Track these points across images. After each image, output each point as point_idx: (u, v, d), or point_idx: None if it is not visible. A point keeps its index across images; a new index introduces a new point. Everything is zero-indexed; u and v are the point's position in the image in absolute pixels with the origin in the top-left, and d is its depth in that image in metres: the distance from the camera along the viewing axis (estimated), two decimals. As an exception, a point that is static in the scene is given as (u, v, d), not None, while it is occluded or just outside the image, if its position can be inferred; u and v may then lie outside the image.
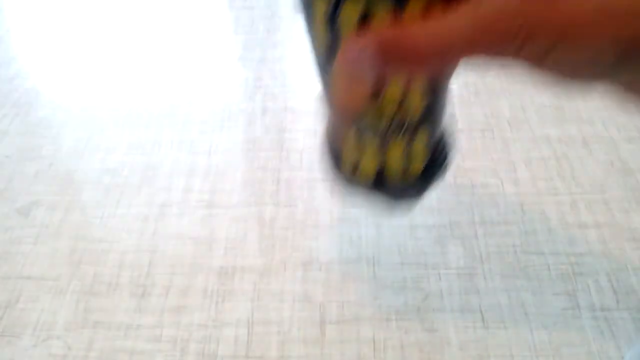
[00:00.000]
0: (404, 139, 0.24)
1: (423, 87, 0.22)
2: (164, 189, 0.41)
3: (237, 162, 0.43)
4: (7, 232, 0.38)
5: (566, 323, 0.32)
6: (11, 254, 0.37)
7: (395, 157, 0.25)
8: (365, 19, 0.17)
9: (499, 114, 0.45)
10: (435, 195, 0.40)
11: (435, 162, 0.26)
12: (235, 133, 0.45)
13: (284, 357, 0.32)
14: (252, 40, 0.56)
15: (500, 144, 0.43)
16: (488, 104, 0.46)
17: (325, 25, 0.18)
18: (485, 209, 0.39)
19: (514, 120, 0.45)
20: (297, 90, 0.49)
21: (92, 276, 0.36)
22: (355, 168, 0.26)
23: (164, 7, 0.62)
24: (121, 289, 0.35)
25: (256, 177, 0.41)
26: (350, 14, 0.17)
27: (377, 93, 0.21)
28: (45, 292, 0.35)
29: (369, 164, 0.25)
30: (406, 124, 0.23)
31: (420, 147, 0.25)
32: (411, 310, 0.33)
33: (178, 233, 0.38)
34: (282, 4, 0.63)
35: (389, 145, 0.24)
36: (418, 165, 0.25)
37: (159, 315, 0.34)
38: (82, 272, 0.36)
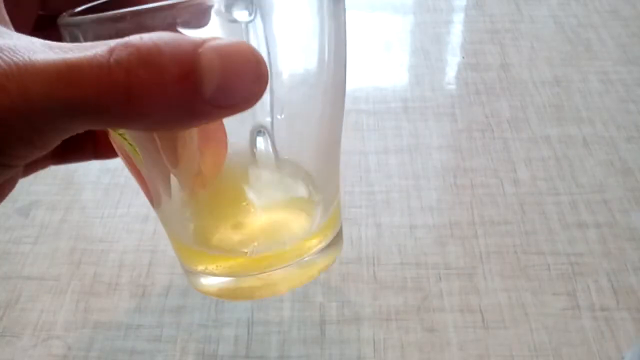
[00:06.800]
0: None
1: None
2: (164, 189, 0.41)
3: (237, 162, 0.43)
4: (7, 232, 0.38)
5: (566, 323, 0.32)
6: (11, 254, 0.37)
7: None
8: None
9: (499, 114, 0.45)
10: (435, 195, 0.40)
11: None
12: (235, 133, 0.45)
13: (284, 357, 0.32)
14: (252, 40, 0.56)
15: (500, 144, 0.43)
16: (488, 104, 0.46)
17: None
18: (485, 209, 0.39)
19: (514, 120, 0.45)
20: (297, 90, 0.49)
21: (92, 276, 0.36)
22: None
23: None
24: (121, 289, 0.35)
25: (256, 177, 0.41)
26: None
27: None
28: (45, 292, 0.35)
29: None
30: None
31: None
32: (411, 310, 0.33)
33: (178, 233, 0.38)
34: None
35: None
36: None
37: (159, 315, 0.34)
38: (82, 272, 0.36)
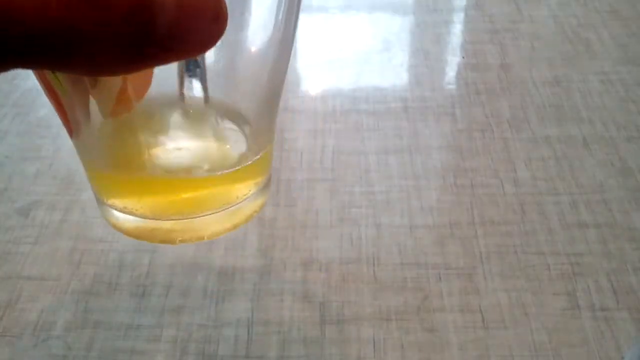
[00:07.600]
0: None
1: None
2: (164, 189, 0.41)
3: (237, 162, 0.43)
4: (7, 232, 0.38)
5: (566, 323, 0.32)
6: (11, 254, 0.37)
7: None
8: None
9: (499, 114, 0.45)
10: (435, 195, 0.40)
11: None
12: (235, 133, 0.45)
13: (284, 357, 0.32)
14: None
15: (500, 144, 0.43)
16: (488, 104, 0.46)
17: None
18: (485, 209, 0.39)
19: (514, 120, 0.45)
20: (297, 90, 0.49)
21: (92, 276, 0.36)
22: None
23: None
24: (121, 289, 0.35)
25: (256, 177, 0.41)
26: None
27: None
28: (45, 292, 0.35)
29: None
30: None
31: None
32: (411, 310, 0.33)
33: (178, 233, 0.38)
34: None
35: None
36: None
37: (159, 315, 0.34)
38: (82, 272, 0.36)
